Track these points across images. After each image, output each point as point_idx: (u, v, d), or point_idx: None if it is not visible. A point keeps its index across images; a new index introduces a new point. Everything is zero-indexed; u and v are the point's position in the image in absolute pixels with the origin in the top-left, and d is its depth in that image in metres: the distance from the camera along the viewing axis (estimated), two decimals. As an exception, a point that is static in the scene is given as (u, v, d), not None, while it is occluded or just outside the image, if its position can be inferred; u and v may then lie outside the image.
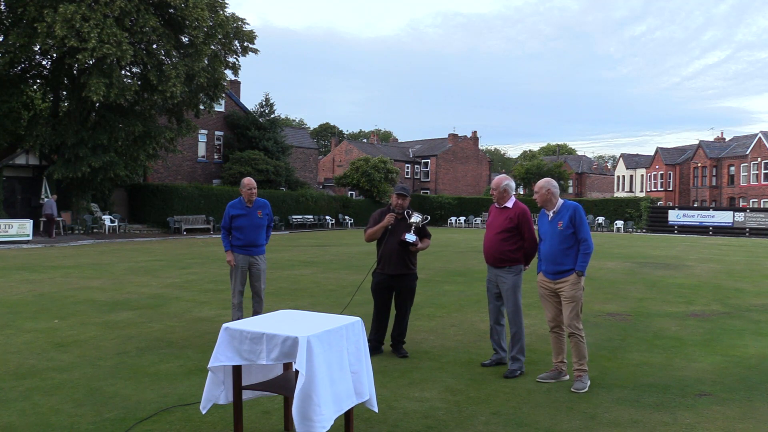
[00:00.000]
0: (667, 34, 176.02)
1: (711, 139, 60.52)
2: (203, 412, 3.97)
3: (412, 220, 6.32)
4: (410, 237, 6.25)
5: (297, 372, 3.56)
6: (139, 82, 26.55)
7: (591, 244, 5.42)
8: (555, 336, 5.62)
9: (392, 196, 6.52)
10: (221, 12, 27.57)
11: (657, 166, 61.63)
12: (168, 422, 4.36)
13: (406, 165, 62.42)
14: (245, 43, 29.27)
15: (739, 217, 39.15)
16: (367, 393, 4.00)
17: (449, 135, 65.82)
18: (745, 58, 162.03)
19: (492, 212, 6.14)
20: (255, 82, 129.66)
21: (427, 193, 58.84)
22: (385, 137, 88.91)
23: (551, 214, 5.58)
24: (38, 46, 24.28)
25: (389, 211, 6.44)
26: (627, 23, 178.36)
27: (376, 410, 4.13)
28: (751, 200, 50.06)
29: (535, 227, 5.84)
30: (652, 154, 64.29)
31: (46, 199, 25.53)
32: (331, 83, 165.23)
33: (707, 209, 41.74)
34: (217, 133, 40.31)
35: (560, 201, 5.60)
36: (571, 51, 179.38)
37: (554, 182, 5.69)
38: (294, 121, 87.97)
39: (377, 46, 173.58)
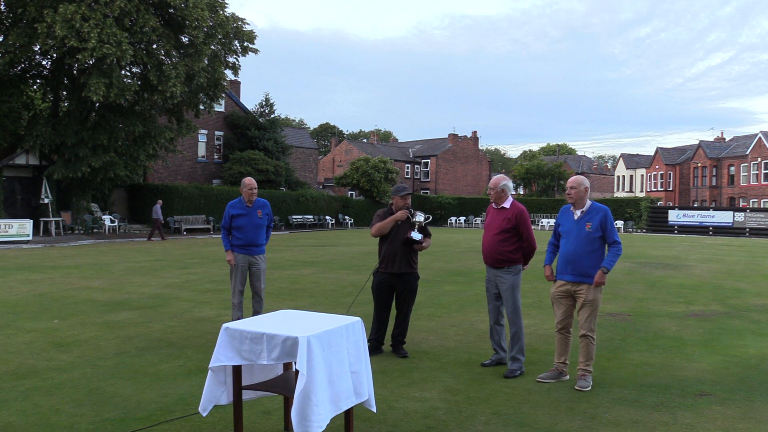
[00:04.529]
0: (671, 35, 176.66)
1: (711, 139, 60.52)
2: (204, 414, 3.96)
3: (416, 219, 6.33)
4: (416, 235, 6.25)
5: (297, 372, 3.56)
6: (139, 82, 26.54)
7: (622, 247, 5.38)
8: (561, 337, 5.58)
9: (395, 197, 6.44)
10: (221, 12, 27.55)
11: (657, 166, 61.61)
12: (168, 423, 4.36)
13: (406, 165, 62.40)
14: (245, 43, 29.25)
15: (739, 217, 39.14)
16: (366, 393, 4.00)
17: (449, 135, 65.79)
18: (749, 60, 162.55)
19: (490, 213, 6.12)
20: (257, 83, 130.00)
21: (427, 193, 58.82)
22: (385, 137, 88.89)
23: (578, 213, 5.45)
24: (38, 46, 24.26)
25: (392, 212, 6.43)
26: (632, 25, 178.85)
27: (375, 410, 4.13)
28: (751, 200, 50.05)
29: (535, 226, 5.83)
30: (652, 154, 64.29)
31: (154, 205, 26.27)
32: (332, 83, 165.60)
33: (707, 209, 41.73)
34: (217, 133, 40.30)
35: (588, 201, 5.50)
36: (576, 52, 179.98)
37: (588, 181, 5.62)
38: (294, 121, 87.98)
39: (383, 47, 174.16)
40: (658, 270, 15.42)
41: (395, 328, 6.45)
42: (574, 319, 5.58)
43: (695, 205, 51.23)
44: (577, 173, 75.24)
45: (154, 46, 26.33)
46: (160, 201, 26.66)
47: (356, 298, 8.97)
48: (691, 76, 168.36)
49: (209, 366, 3.86)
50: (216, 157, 40.44)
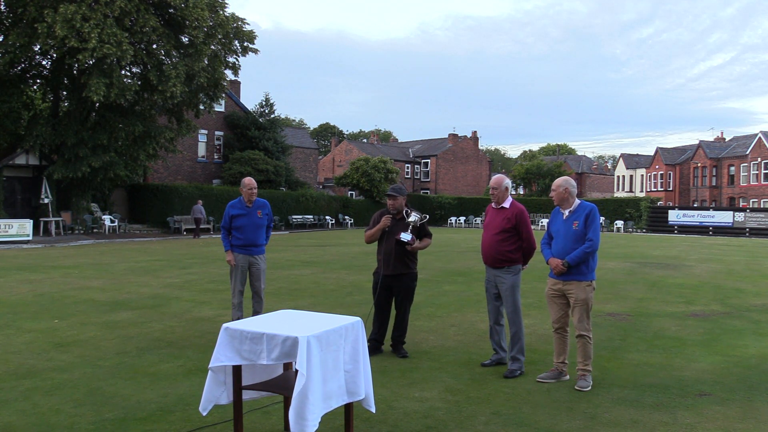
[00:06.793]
0: (673, 36, 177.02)
1: (711, 139, 60.50)
2: (204, 414, 3.96)
3: (410, 219, 6.32)
4: (405, 236, 6.23)
5: (297, 372, 3.56)
6: (139, 82, 26.54)
7: (596, 245, 5.34)
8: (558, 337, 5.59)
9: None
10: (221, 12, 27.56)
11: (657, 166, 61.60)
12: (168, 422, 4.36)
13: (406, 165, 62.39)
14: (245, 43, 29.26)
15: (739, 217, 39.15)
16: (363, 392, 3.99)
17: (449, 135, 65.79)
18: (750, 60, 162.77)
19: (489, 213, 6.12)
20: (257, 83, 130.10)
21: (427, 193, 58.81)
22: (385, 137, 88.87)
23: (566, 213, 5.52)
24: (38, 46, 24.26)
25: (388, 212, 6.44)
26: (634, 26, 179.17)
27: (374, 410, 4.13)
28: (751, 200, 50.04)
29: (535, 226, 5.85)
30: (652, 154, 64.27)
31: (195, 205, 27.37)
32: (333, 84, 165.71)
33: (707, 209, 41.74)
34: (217, 133, 40.29)
35: (577, 201, 5.55)
36: (578, 53, 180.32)
37: (572, 181, 5.65)
38: (294, 121, 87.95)
39: (386, 48, 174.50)
40: (658, 270, 15.41)
41: (395, 329, 6.45)
42: (570, 318, 5.59)
43: (695, 205, 51.22)
44: (577, 173, 75.34)
45: (154, 46, 26.34)
46: (200, 201, 28.18)
47: (372, 306, 8.97)
48: (692, 76, 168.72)
49: (209, 366, 3.86)
50: (216, 157, 40.43)
